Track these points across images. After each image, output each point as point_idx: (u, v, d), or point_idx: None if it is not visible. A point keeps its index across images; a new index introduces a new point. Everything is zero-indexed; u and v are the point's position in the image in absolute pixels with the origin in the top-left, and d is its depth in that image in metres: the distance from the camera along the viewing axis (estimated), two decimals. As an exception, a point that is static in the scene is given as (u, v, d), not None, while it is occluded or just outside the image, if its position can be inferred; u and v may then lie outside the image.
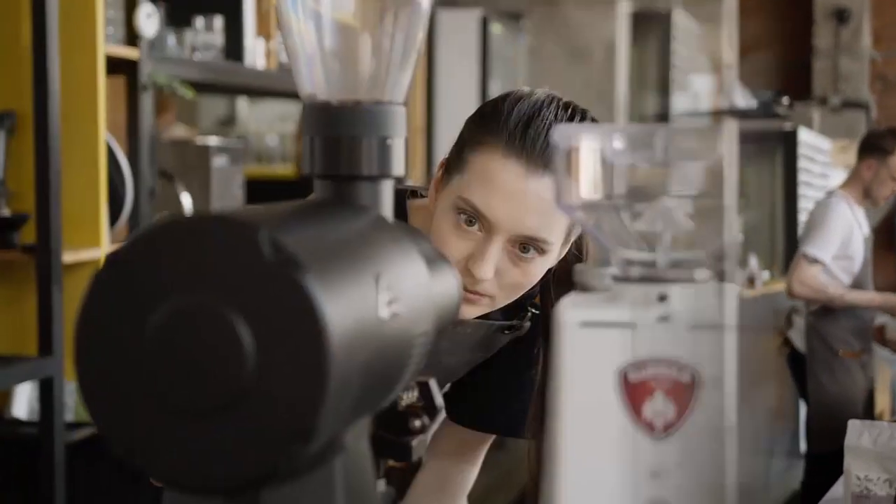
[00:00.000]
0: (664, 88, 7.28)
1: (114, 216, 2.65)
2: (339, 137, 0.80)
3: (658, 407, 0.69)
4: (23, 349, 2.48)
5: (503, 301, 1.31)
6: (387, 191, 0.82)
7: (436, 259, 0.87)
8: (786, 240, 7.19)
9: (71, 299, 2.46)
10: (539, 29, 5.64)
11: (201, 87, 3.25)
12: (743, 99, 6.08)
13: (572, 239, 1.34)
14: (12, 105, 2.52)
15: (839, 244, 4.30)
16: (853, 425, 1.95)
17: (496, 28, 5.34)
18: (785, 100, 6.53)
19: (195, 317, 0.62)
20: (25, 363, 2.37)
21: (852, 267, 4.35)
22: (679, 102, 5.62)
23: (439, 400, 0.87)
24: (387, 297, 0.71)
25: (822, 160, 7.46)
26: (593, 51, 5.77)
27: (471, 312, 1.30)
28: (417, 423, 0.85)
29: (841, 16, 9.38)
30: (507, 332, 1.43)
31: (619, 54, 5.82)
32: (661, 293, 0.70)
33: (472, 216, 1.25)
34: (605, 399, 0.69)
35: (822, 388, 4.36)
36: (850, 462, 1.89)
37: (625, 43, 5.99)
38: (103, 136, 2.55)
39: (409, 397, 0.87)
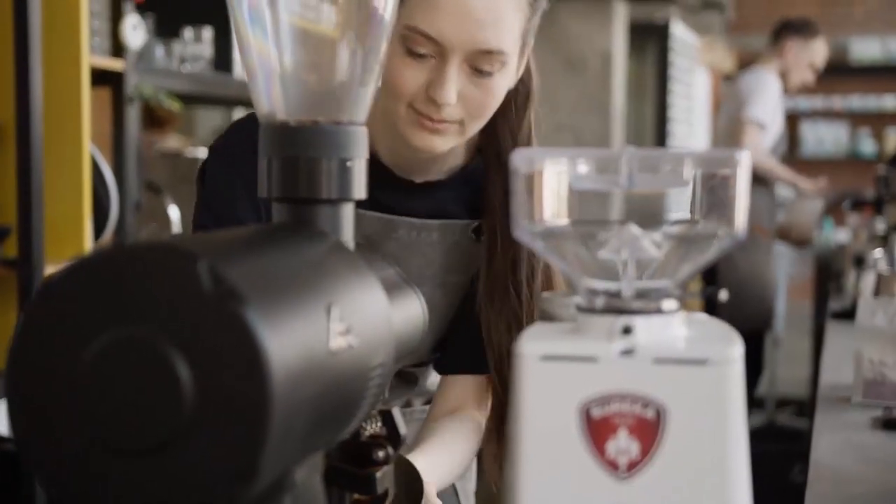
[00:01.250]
0: (662, 98, 7.27)
1: (98, 229, 2.62)
2: (297, 158, 0.77)
3: (622, 445, 0.66)
4: (3, 364, 2.44)
5: (474, 127, 1.27)
6: (347, 214, 0.79)
7: (398, 284, 0.84)
8: (656, 135, 7.24)
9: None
10: (536, 40, 5.59)
11: (190, 99, 3.22)
12: None
13: (527, 51, 1.31)
14: (-6, 116, 2.49)
15: (771, 110, 4.37)
16: (865, 303, 1.81)
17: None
18: None
19: (131, 351, 0.59)
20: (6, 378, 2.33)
21: (773, 136, 4.43)
22: None
23: (403, 429, 0.84)
24: (339, 327, 0.67)
25: (690, 56, 7.56)
26: (590, 62, 5.74)
27: (443, 143, 1.27)
28: (381, 453, 0.82)
29: None
30: (474, 234, 1.38)
31: (616, 65, 5.80)
32: (625, 325, 0.68)
33: (420, 44, 1.20)
34: (566, 436, 0.66)
35: (734, 266, 4.33)
36: (861, 344, 1.74)
37: (622, 54, 5.97)
38: (87, 148, 2.52)
39: (373, 427, 0.84)
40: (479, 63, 1.21)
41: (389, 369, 0.76)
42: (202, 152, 3.25)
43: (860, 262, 3.27)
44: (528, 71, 1.35)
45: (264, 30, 0.79)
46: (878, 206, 4.16)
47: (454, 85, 1.21)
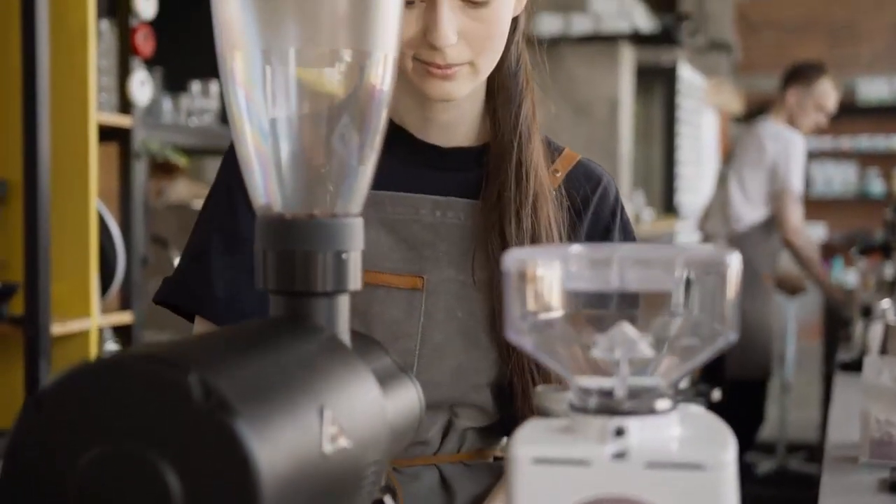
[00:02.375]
0: (670, 140, 7.29)
1: (105, 285, 2.63)
2: (292, 252, 0.78)
3: (615, 550, 0.65)
4: (10, 424, 2.44)
5: (486, 65, 1.20)
6: (343, 306, 0.79)
7: (393, 374, 0.84)
8: (664, 178, 7.24)
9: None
10: (542, 85, 5.61)
11: (197, 151, 3.24)
12: (645, 20, 6.04)
13: None
14: (3, 174, 2.50)
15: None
16: (870, 362, 1.78)
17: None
18: (687, 25, 6.49)
19: (122, 463, 0.59)
20: None
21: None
22: (581, 23, 5.57)
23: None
24: (332, 430, 0.67)
25: (698, 98, 7.58)
26: (597, 107, 5.76)
27: (458, 88, 1.19)
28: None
29: None
30: None
31: (623, 110, 5.82)
32: (618, 427, 0.67)
33: None
34: (559, 540, 0.66)
35: (742, 313, 4.37)
36: (868, 403, 1.71)
37: (629, 99, 5.99)
38: (94, 204, 2.53)
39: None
40: None
41: (384, 465, 0.76)
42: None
43: (868, 312, 3.25)
44: (521, 58, 1.29)
45: (260, 123, 0.80)
46: (886, 251, 4.15)
47: (450, 25, 1.14)
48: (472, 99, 1.27)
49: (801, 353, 6.37)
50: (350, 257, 0.79)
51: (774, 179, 4.40)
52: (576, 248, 0.72)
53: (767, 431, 5.75)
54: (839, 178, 10.11)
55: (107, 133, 2.66)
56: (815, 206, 10.11)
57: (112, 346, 2.96)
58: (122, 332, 2.79)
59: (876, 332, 3.01)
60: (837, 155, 10.09)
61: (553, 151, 1.32)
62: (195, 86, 3.07)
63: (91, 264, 2.53)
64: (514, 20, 1.27)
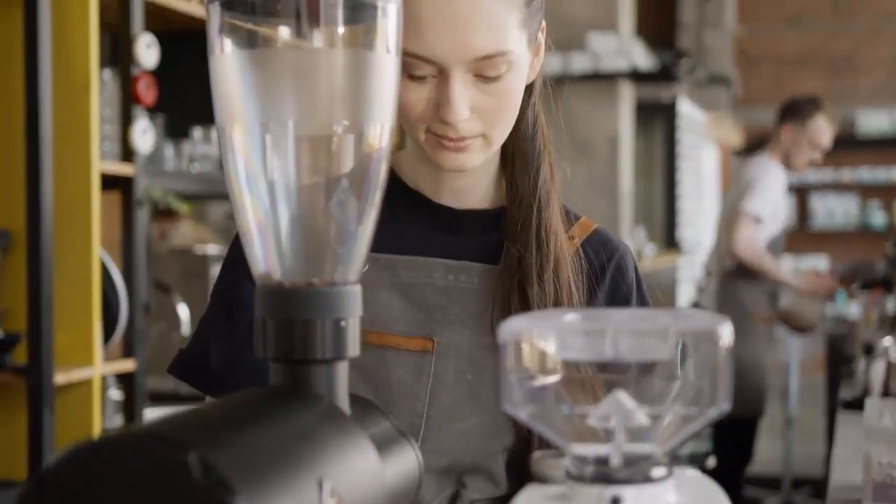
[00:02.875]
0: (670, 175, 7.31)
1: (108, 333, 2.64)
2: (291, 320, 0.79)
3: None
4: (12, 474, 2.45)
5: (499, 136, 1.19)
6: (342, 372, 0.80)
7: (392, 438, 0.85)
8: (665, 213, 7.24)
9: (63, 422, 2.44)
10: (553, 125, 5.64)
11: (199, 197, 3.26)
12: (644, 58, 6.04)
13: (541, 37, 1.23)
14: (5, 224, 2.52)
15: (772, 206, 4.36)
16: (871, 404, 1.77)
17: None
18: (685, 62, 6.50)
19: (123, 542, 0.60)
20: (15, 488, 2.34)
21: (771, 232, 4.42)
22: (580, 62, 5.60)
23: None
24: (331, 502, 0.68)
25: (698, 132, 7.60)
26: (597, 145, 5.79)
27: (471, 160, 1.19)
28: None
29: None
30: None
31: (623, 147, 5.85)
32: (614, 496, 0.68)
33: (416, 66, 1.12)
34: None
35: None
36: (870, 446, 1.69)
37: (628, 136, 6.02)
38: (97, 253, 2.55)
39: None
40: (483, 70, 1.14)
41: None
42: (211, 248, 3.28)
43: (870, 349, 3.26)
44: (537, 121, 1.29)
45: (259, 192, 0.81)
46: (888, 286, 4.15)
47: (462, 100, 1.14)
48: (487, 164, 1.26)
49: (806, 387, 6.36)
50: (349, 324, 0.80)
51: (738, 200, 4.42)
52: (570, 318, 0.73)
53: (772, 466, 5.73)
54: (841, 211, 10.13)
55: (109, 181, 2.68)
56: (817, 239, 10.13)
57: (115, 393, 2.97)
58: (125, 379, 2.79)
59: (878, 370, 3.01)
60: (839, 187, 10.12)
61: (570, 218, 1.31)
62: (197, 132, 3.09)
63: (94, 313, 2.54)
64: (529, 85, 1.26)
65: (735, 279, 4.44)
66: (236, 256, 1.27)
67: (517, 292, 1.23)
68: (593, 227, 1.32)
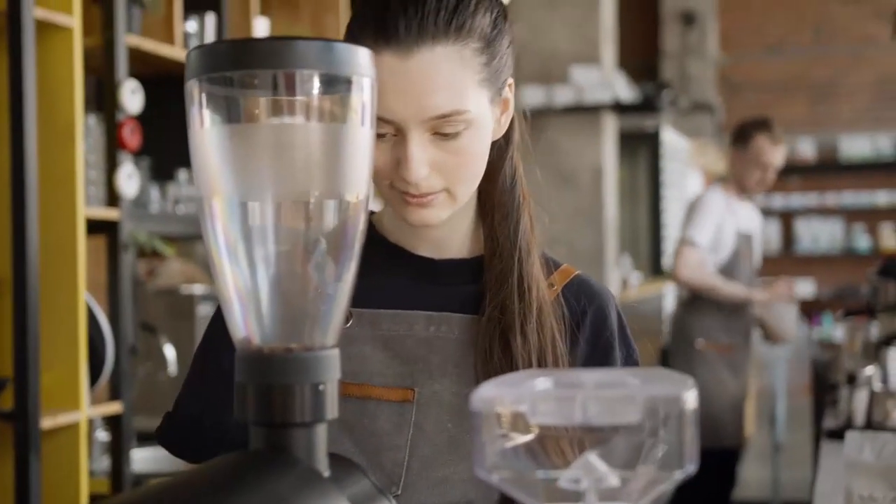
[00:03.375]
0: (655, 203, 7.36)
1: (94, 376, 2.65)
2: (271, 385, 0.81)
3: None
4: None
5: (463, 191, 1.20)
6: (321, 435, 0.83)
7: (371, 497, 0.87)
8: (651, 241, 7.28)
9: (50, 466, 2.44)
10: (525, 156, 5.69)
11: (185, 238, 3.28)
12: (626, 90, 6.07)
13: (506, 93, 1.23)
14: (-8, 269, 2.54)
15: (713, 232, 4.33)
16: (852, 437, 1.77)
17: (482, 159, 5.41)
18: (667, 94, 6.53)
19: None
20: None
21: (718, 258, 4.40)
22: (563, 95, 5.63)
23: None
24: (310, 568, 0.70)
25: (682, 160, 7.64)
26: (581, 175, 5.83)
27: (436, 215, 1.20)
28: None
29: (688, 18, 9.65)
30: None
31: (607, 178, 5.89)
32: (586, 559, 0.70)
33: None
34: None
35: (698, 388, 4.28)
36: (850, 480, 1.71)
37: (613, 166, 6.06)
38: (83, 298, 2.56)
39: None
40: (441, 128, 1.16)
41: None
42: (197, 288, 3.29)
43: (852, 379, 3.28)
44: (516, 173, 1.30)
45: (239, 262, 0.83)
46: (871, 312, 4.17)
47: (420, 159, 1.16)
48: (463, 213, 1.28)
49: (794, 411, 6.38)
50: (327, 388, 0.82)
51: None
52: (541, 383, 0.75)
53: (761, 492, 5.74)
54: (825, 235, 10.19)
55: (95, 225, 2.69)
56: (803, 263, 10.18)
57: (102, 434, 2.97)
58: (112, 421, 2.80)
59: (861, 399, 3.03)
60: (823, 211, 10.18)
61: (550, 266, 1.32)
62: (182, 174, 3.11)
63: (80, 357, 2.55)
64: (508, 136, 1.28)
65: (687, 310, 4.46)
66: (218, 325, 1.28)
67: (499, 342, 1.24)
68: (574, 273, 1.34)
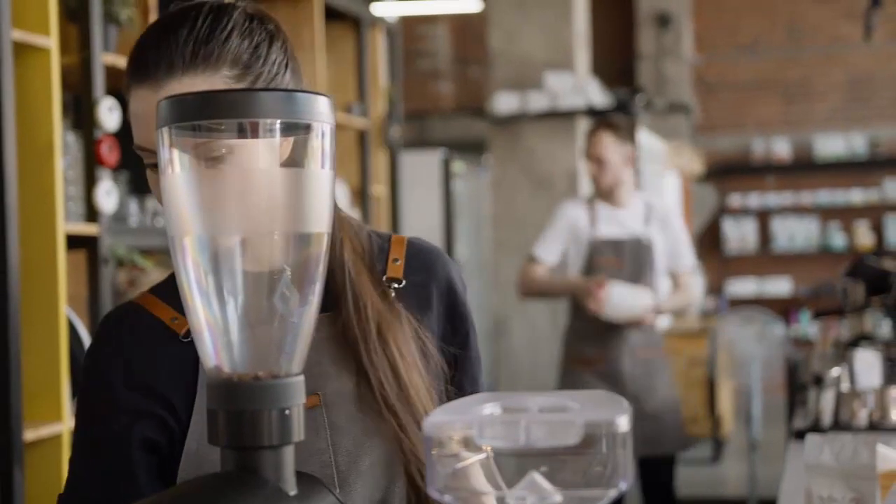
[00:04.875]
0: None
1: (76, 388, 2.70)
2: (241, 412, 0.87)
3: None
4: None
5: None
6: (288, 456, 0.89)
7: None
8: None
9: (33, 478, 2.49)
10: (502, 160, 5.79)
11: (164, 251, 3.33)
12: (599, 96, 6.08)
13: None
14: (-26, 285, 2.58)
15: (563, 245, 4.22)
16: (812, 440, 1.83)
17: (458, 166, 5.48)
18: (640, 98, 6.55)
19: None
20: None
21: (574, 268, 4.23)
22: (537, 101, 5.64)
23: None
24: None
25: (658, 162, 7.71)
26: (556, 180, 5.90)
27: None
28: None
29: (663, 20, 9.75)
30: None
31: (583, 182, 5.96)
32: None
33: (147, 157, 1.22)
34: None
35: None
36: (810, 481, 1.76)
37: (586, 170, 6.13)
38: (63, 311, 2.61)
39: None
40: (205, 155, 1.12)
41: None
42: (177, 299, 3.33)
43: (819, 380, 3.35)
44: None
45: (209, 296, 0.89)
46: (842, 313, 4.23)
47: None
48: None
49: (770, 408, 6.46)
50: (293, 412, 0.88)
51: None
52: (487, 410, 0.82)
53: (738, 489, 5.83)
54: (801, 233, 10.30)
55: (74, 241, 2.74)
56: (779, 261, 10.29)
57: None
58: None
59: (828, 400, 3.09)
60: (799, 210, 10.29)
61: (383, 241, 1.37)
62: (160, 187, 3.16)
63: (62, 369, 2.60)
64: None
65: (565, 332, 4.35)
66: (98, 386, 1.28)
67: (357, 358, 1.30)
68: (405, 239, 1.39)
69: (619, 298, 4.05)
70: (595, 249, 4.19)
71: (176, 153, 0.88)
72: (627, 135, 4.25)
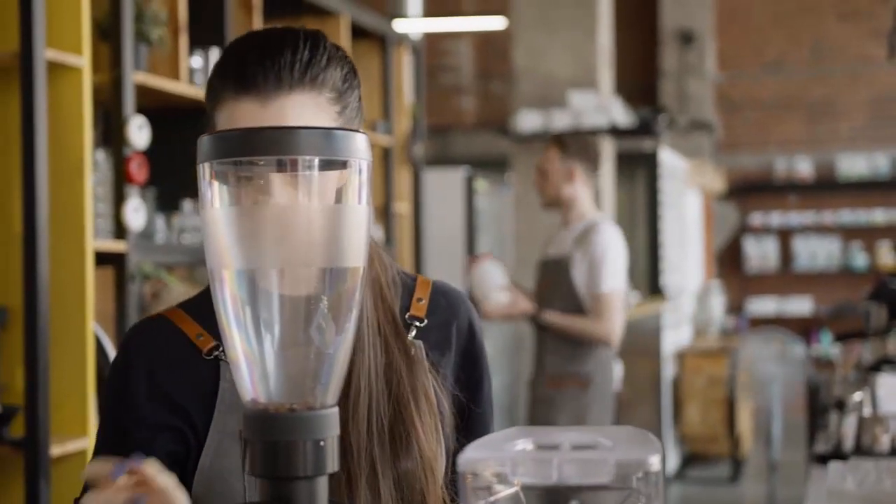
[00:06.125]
0: (653, 224, 7.43)
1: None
2: (276, 443, 0.89)
3: None
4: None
5: None
6: (322, 487, 0.90)
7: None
8: (649, 261, 7.32)
9: (59, 493, 2.51)
10: (525, 178, 5.79)
11: (190, 266, 3.36)
12: (622, 115, 6.10)
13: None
14: (3, 301, 2.61)
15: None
16: (835, 468, 1.82)
17: (481, 185, 5.50)
18: (663, 118, 6.53)
19: None
20: None
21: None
22: (561, 119, 5.62)
23: None
24: None
25: (680, 180, 7.69)
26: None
27: None
28: None
29: (686, 38, 9.71)
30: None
31: (605, 200, 5.96)
32: None
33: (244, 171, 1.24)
34: None
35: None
36: None
37: (610, 189, 6.13)
38: (91, 328, 2.64)
39: None
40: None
41: None
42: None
43: (841, 405, 3.34)
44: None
45: (246, 328, 0.91)
46: (864, 335, 4.21)
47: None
48: None
49: (791, 429, 6.44)
50: (327, 444, 0.90)
51: None
52: (520, 446, 0.83)
53: (758, 512, 5.80)
54: (823, 253, 10.26)
55: (103, 258, 2.77)
56: (800, 281, 10.25)
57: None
58: (118, 446, 2.86)
59: (850, 424, 3.08)
60: (821, 229, 10.25)
61: (407, 282, 1.38)
62: (187, 204, 3.19)
63: (88, 385, 2.63)
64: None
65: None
66: (125, 378, 1.30)
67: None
68: (430, 281, 1.40)
69: (481, 274, 4.03)
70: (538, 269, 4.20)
71: (216, 187, 0.90)
72: (575, 153, 4.13)
